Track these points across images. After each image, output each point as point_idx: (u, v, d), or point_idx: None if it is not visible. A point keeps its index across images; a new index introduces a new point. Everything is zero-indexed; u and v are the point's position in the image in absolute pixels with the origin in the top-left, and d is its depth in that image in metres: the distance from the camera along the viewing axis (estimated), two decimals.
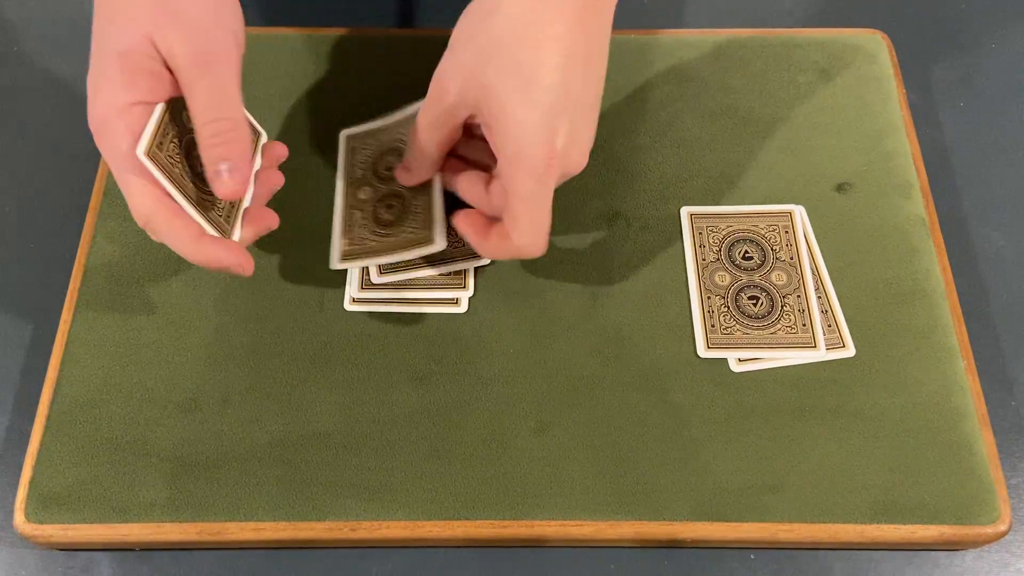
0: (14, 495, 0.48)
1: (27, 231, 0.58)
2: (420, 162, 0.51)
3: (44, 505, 0.48)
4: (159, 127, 0.44)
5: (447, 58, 0.47)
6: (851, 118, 0.60)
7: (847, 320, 0.53)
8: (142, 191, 0.45)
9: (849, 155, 0.59)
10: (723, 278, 0.54)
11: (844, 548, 0.49)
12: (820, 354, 0.52)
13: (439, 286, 0.53)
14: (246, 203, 0.49)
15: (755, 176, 0.58)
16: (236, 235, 0.48)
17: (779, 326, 0.52)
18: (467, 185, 0.50)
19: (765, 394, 0.51)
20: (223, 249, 0.46)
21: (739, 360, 0.52)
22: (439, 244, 0.50)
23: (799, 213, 0.56)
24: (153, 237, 0.46)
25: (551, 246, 0.55)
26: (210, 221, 0.46)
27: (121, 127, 0.44)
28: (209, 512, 0.48)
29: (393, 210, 0.53)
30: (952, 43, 0.67)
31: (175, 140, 0.45)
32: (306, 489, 0.48)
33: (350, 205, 0.54)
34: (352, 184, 0.55)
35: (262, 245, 0.55)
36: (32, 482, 0.48)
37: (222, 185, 0.45)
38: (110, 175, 0.57)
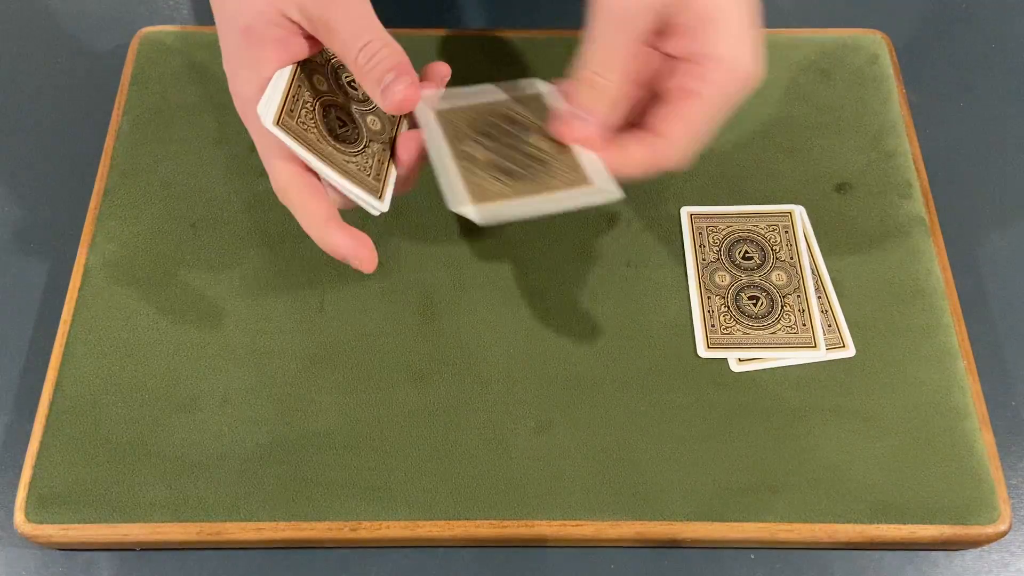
0: (14, 495, 0.48)
1: (27, 231, 0.58)
2: (599, 101, 0.43)
3: (44, 505, 0.48)
4: (287, 94, 0.43)
5: None
6: (851, 118, 0.60)
7: (847, 320, 0.53)
8: (280, 168, 0.44)
9: (849, 155, 0.59)
10: (723, 278, 0.54)
11: (844, 548, 0.49)
12: (820, 354, 0.52)
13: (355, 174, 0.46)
14: (395, 170, 0.46)
15: (755, 176, 0.58)
16: (387, 196, 0.45)
17: (779, 326, 0.52)
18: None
19: (765, 394, 0.51)
20: (347, 239, 0.44)
21: (739, 360, 0.52)
22: (612, 191, 0.43)
23: (799, 213, 0.56)
24: (295, 214, 0.45)
25: (551, 247, 0.55)
26: (354, 180, 0.44)
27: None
28: (209, 512, 0.48)
29: (533, 169, 0.45)
30: (952, 43, 0.67)
31: (308, 105, 0.44)
32: (306, 489, 0.48)
33: (460, 157, 0.45)
34: (457, 140, 0.47)
35: (263, 244, 0.55)
36: (32, 482, 0.48)
37: (391, 95, 0.42)
38: (110, 175, 0.57)
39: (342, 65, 0.47)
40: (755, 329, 0.52)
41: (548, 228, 0.56)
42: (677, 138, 0.42)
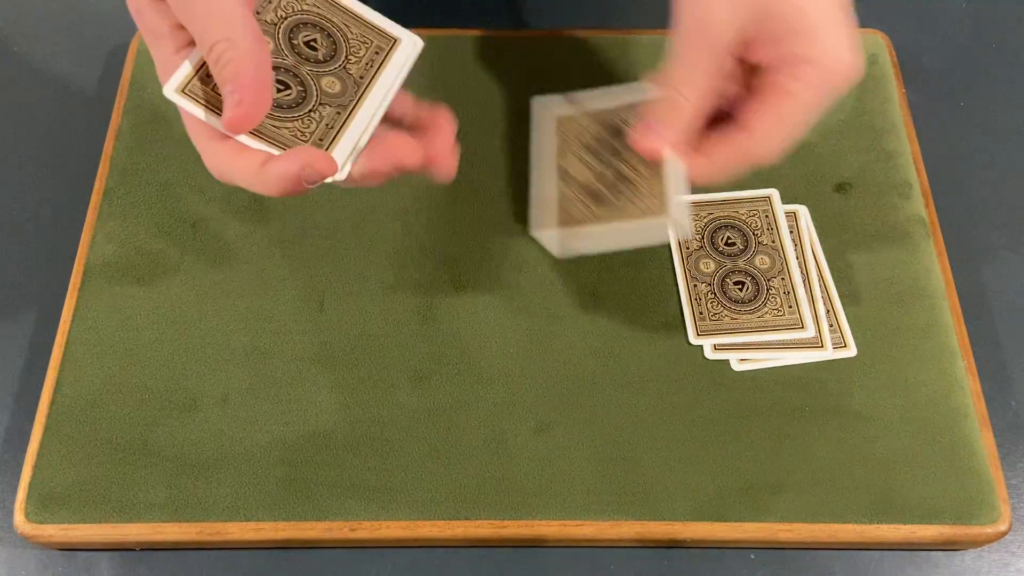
0: (14, 495, 0.48)
1: (27, 231, 0.58)
2: (677, 116, 0.43)
3: (44, 505, 0.48)
4: (199, 66, 0.40)
5: None
6: (851, 118, 0.60)
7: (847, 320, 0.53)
8: (203, 142, 0.41)
9: (849, 155, 0.59)
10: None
11: (844, 548, 0.49)
12: (827, 354, 0.52)
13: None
14: (356, 123, 0.41)
15: (755, 176, 0.58)
16: (337, 160, 0.40)
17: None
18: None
19: (765, 394, 0.51)
20: (283, 161, 0.38)
21: (740, 360, 0.52)
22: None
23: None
24: (239, 184, 0.40)
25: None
26: (284, 147, 0.40)
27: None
28: (209, 512, 0.48)
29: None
30: (952, 43, 0.67)
31: None
32: (306, 489, 0.48)
33: (693, 277, 0.50)
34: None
35: (263, 244, 0.55)
36: (32, 482, 0.48)
37: (225, 109, 0.38)
38: (110, 175, 0.57)
39: (301, 23, 0.43)
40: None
41: None
42: (767, 133, 0.42)
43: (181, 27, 0.41)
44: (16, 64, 0.65)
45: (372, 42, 0.43)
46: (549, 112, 0.50)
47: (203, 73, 0.40)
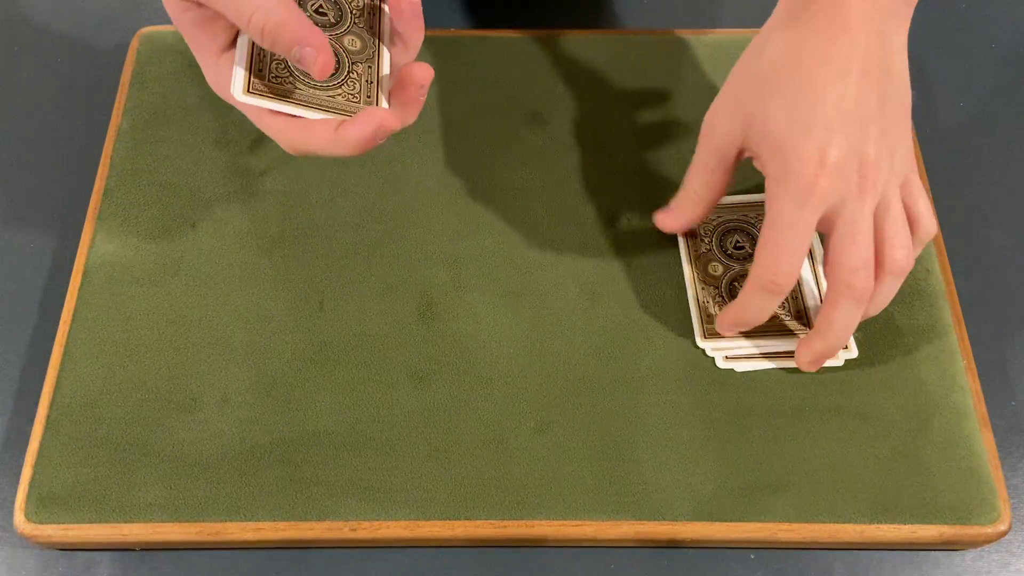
0: (14, 495, 0.48)
1: (27, 231, 0.58)
2: (687, 205, 0.52)
3: (44, 505, 0.48)
4: (251, 57, 0.43)
5: (717, 99, 0.49)
6: None
7: None
8: (274, 126, 0.43)
9: None
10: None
11: (844, 548, 0.49)
12: (836, 362, 0.52)
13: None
14: (385, 70, 0.45)
15: (755, 176, 0.57)
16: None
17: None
18: None
19: (765, 394, 0.51)
20: (358, 125, 0.42)
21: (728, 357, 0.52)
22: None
23: None
24: (317, 154, 0.44)
25: (552, 246, 0.55)
26: (345, 113, 0.43)
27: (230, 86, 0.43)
28: (209, 512, 0.48)
29: None
30: (952, 43, 0.67)
31: (278, 55, 0.43)
32: (306, 489, 0.48)
33: (702, 280, 0.54)
34: (699, 258, 0.54)
35: (263, 244, 0.55)
36: (32, 482, 0.48)
37: (310, 66, 0.40)
38: (110, 175, 0.57)
39: None
40: None
41: (548, 228, 0.56)
42: (761, 259, 0.46)
43: (217, 34, 0.43)
44: (16, 64, 0.65)
45: None
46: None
47: (255, 69, 0.43)
